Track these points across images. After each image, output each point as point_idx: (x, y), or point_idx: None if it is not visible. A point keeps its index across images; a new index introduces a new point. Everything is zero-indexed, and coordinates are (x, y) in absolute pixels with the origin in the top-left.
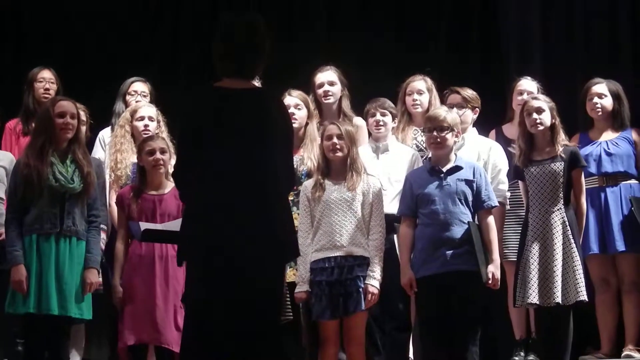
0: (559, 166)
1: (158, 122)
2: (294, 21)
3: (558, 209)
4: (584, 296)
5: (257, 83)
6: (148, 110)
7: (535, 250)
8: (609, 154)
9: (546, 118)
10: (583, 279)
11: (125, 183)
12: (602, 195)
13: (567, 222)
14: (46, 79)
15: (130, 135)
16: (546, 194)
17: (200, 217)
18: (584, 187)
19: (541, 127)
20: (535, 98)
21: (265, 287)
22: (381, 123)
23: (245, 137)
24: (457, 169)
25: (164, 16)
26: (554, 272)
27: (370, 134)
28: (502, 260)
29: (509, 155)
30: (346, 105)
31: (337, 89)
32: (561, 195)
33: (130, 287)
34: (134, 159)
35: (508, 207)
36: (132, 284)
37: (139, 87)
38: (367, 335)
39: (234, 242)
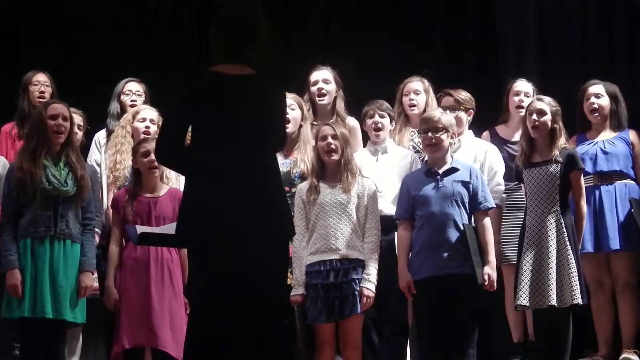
0: (555, 169)
1: (158, 125)
2: (289, 23)
3: (554, 211)
4: (578, 299)
5: None
6: (150, 112)
7: (531, 252)
8: (605, 153)
9: (546, 121)
10: (578, 282)
11: (123, 184)
12: (597, 193)
13: (563, 225)
14: (41, 82)
15: (131, 137)
16: (542, 197)
17: (202, 213)
18: (583, 190)
19: (538, 130)
20: (540, 99)
21: (269, 281)
22: (379, 125)
23: (242, 124)
24: (453, 170)
25: (160, 17)
26: (549, 274)
27: (365, 136)
28: (501, 262)
29: (505, 157)
30: (340, 106)
31: (331, 87)
32: (557, 197)
33: (125, 290)
34: None
35: (505, 209)
36: (128, 287)
37: (133, 87)
38: (364, 338)
39: (234, 232)
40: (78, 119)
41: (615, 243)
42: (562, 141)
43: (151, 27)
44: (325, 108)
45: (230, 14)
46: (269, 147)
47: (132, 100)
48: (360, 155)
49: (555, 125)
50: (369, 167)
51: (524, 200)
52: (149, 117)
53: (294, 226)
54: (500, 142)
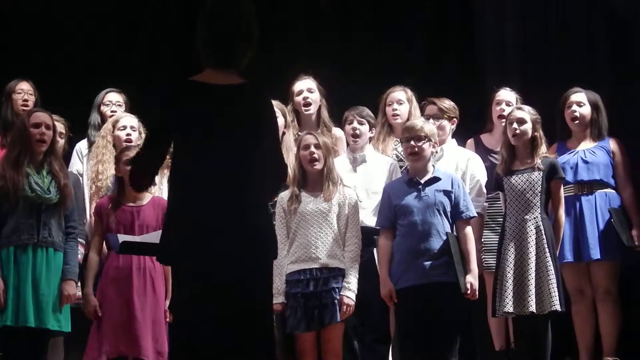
0: (537, 176)
1: (140, 132)
2: (270, 31)
3: (534, 218)
4: (557, 306)
5: None
6: (130, 120)
7: (511, 258)
8: (585, 162)
9: (527, 129)
10: (557, 289)
11: (105, 194)
12: (577, 203)
13: (542, 231)
14: (24, 91)
15: (112, 146)
16: (523, 203)
17: (184, 220)
18: (562, 199)
19: (519, 138)
20: (520, 108)
21: (255, 291)
22: (358, 132)
23: (231, 138)
24: (435, 180)
25: (141, 27)
26: (529, 280)
27: (347, 144)
28: (482, 270)
29: (488, 166)
30: (325, 115)
31: (316, 96)
32: (538, 204)
33: (108, 299)
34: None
35: (487, 218)
36: (109, 295)
37: (113, 98)
38: (346, 347)
39: (221, 244)
40: (60, 126)
41: (595, 252)
42: (543, 149)
43: (133, 36)
44: (310, 117)
45: (221, 15)
46: (259, 160)
47: (112, 111)
48: (339, 163)
49: (535, 134)
50: (348, 176)
51: (501, 209)
52: (129, 125)
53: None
54: (484, 151)
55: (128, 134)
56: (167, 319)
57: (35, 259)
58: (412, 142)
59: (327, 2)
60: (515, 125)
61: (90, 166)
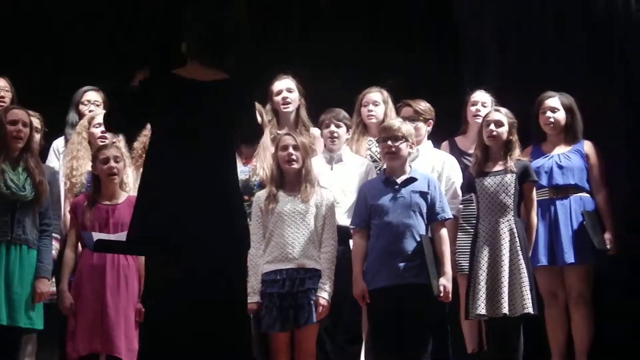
0: (510, 178)
1: None
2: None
3: (507, 220)
4: (530, 309)
5: None
6: None
7: (484, 261)
8: (560, 167)
9: (503, 132)
10: (529, 292)
11: (80, 191)
12: (552, 207)
13: (515, 234)
14: (1, 87)
15: (87, 143)
16: (496, 205)
17: (157, 209)
18: (535, 201)
19: (494, 140)
20: (497, 110)
21: (229, 282)
22: (335, 135)
23: (207, 133)
24: (411, 180)
25: (120, 25)
26: (502, 282)
27: (324, 145)
28: (455, 272)
29: (463, 168)
30: (304, 114)
31: (295, 96)
32: (511, 207)
33: (81, 296)
34: (89, 166)
35: (461, 220)
36: (83, 293)
37: (92, 96)
38: (318, 347)
39: (193, 237)
40: (36, 121)
41: (569, 257)
42: (516, 153)
43: (111, 31)
44: (288, 116)
45: (212, 13)
46: (235, 156)
47: (90, 111)
48: (315, 163)
49: (510, 137)
50: (324, 175)
51: (475, 212)
52: None
53: (250, 239)
54: (458, 153)
55: (103, 132)
56: (137, 318)
57: (9, 256)
58: (390, 142)
59: (327, 2)
60: (492, 127)
61: (65, 162)
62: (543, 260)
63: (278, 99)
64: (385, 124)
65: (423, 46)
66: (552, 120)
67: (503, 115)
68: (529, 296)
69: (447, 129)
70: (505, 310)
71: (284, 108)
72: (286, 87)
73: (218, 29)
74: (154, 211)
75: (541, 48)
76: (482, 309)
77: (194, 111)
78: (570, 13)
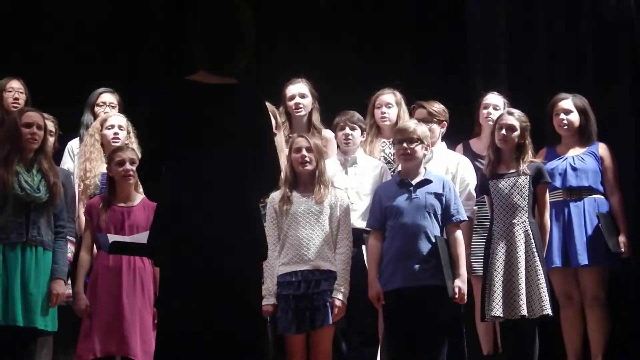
0: (524, 180)
1: (128, 132)
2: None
3: (522, 222)
4: (548, 310)
5: None
6: (118, 119)
7: (499, 262)
8: (574, 169)
9: (515, 137)
10: (547, 293)
11: (94, 193)
12: (566, 209)
13: (531, 235)
14: (15, 89)
15: (100, 145)
16: (510, 207)
17: (176, 217)
18: (548, 203)
19: (506, 144)
20: (510, 114)
21: (244, 290)
22: (350, 137)
23: (223, 137)
24: (426, 182)
25: (132, 27)
26: (519, 284)
27: (338, 147)
28: (470, 274)
29: (477, 170)
30: (316, 118)
31: (308, 101)
32: (525, 208)
33: (97, 298)
34: (103, 168)
35: (476, 222)
36: (99, 295)
37: (107, 98)
38: (333, 349)
39: (211, 243)
40: (50, 124)
41: (583, 259)
42: (529, 156)
43: (125, 36)
44: (301, 120)
45: (221, 22)
46: (250, 160)
47: (105, 112)
48: (330, 165)
49: (523, 141)
50: (338, 177)
51: (488, 213)
52: (117, 124)
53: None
54: (471, 156)
55: (115, 133)
56: (155, 320)
57: (24, 258)
58: (405, 144)
59: (327, 2)
60: (504, 131)
61: (79, 164)
62: (557, 261)
63: (291, 103)
64: (400, 126)
65: (432, 47)
66: (565, 122)
67: (515, 119)
68: (547, 298)
69: (457, 130)
70: (524, 312)
71: (297, 113)
72: (299, 93)
73: (226, 35)
74: (174, 216)
75: (552, 48)
76: (498, 310)
77: (207, 113)
78: (582, 12)
